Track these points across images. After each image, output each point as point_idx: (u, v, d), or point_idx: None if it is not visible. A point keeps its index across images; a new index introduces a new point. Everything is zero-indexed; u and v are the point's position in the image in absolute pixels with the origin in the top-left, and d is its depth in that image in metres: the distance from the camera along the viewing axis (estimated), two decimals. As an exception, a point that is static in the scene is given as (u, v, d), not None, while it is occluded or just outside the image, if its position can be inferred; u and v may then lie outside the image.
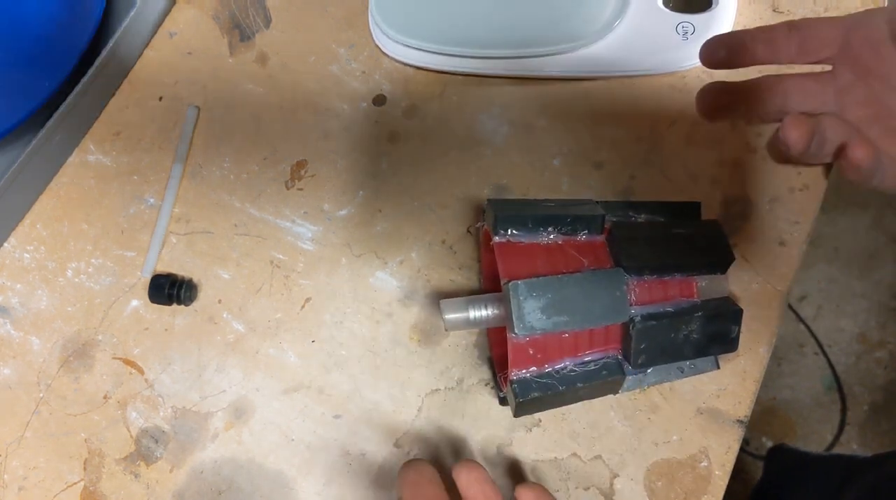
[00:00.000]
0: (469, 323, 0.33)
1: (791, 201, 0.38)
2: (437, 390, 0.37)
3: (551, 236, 0.30)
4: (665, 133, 0.40)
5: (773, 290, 0.36)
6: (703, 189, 0.39)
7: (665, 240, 0.30)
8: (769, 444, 1.10)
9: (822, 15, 0.41)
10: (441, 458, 0.36)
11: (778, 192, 0.38)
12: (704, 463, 0.35)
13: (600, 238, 0.31)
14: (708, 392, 0.36)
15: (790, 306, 1.14)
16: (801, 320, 1.16)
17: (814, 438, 1.10)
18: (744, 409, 0.35)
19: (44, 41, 0.41)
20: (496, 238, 0.30)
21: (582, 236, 0.31)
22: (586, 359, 0.30)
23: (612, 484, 0.35)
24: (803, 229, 0.37)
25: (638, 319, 0.29)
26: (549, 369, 0.30)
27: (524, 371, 0.29)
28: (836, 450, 1.09)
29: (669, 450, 0.35)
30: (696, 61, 0.40)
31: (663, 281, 0.30)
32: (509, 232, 0.30)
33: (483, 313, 0.33)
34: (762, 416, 1.12)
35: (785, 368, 1.16)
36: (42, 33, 0.41)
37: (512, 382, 0.29)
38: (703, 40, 0.33)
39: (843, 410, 1.12)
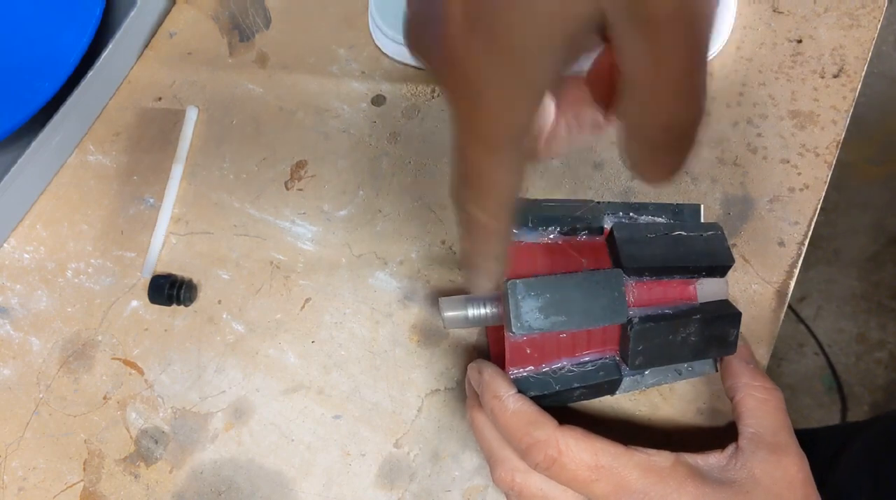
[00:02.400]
0: (468, 321, 0.33)
1: (791, 202, 0.38)
2: (437, 390, 0.37)
3: (552, 236, 0.30)
4: (664, 133, 0.40)
5: (774, 290, 0.36)
6: (703, 189, 0.39)
7: (665, 242, 0.30)
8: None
9: (822, 15, 0.41)
10: (441, 458, 0.36)
11: (778, 192, 0.38)
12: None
13: (600, 239, 0.31)
14: (709, 393, 0.36)
15: (790, 307, 1.14)
16: (801, 320, 1.16)
17: (814, 438, 1.10)
18: (743, 409, 0.35)
19: (44, 43, 0.41)
20: None
21: (582, 237, 0.31)
22: (584, 360, 0.30)
23: (611, 485, 0.35)
24: (803, 230, 0.37)
25: (636, 320, 0.29)
26: (547, 368, 0.30)
27: (521, 371, 0.29)
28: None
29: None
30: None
31: (662, 283, 0.30)
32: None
33: (482, 311, 0.33)
34: (762, 416, 1.12)
35: (785, 368, 1.16)
36: (42, 35, 0.41)
37: None
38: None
39: (844, 410, 1.12)
